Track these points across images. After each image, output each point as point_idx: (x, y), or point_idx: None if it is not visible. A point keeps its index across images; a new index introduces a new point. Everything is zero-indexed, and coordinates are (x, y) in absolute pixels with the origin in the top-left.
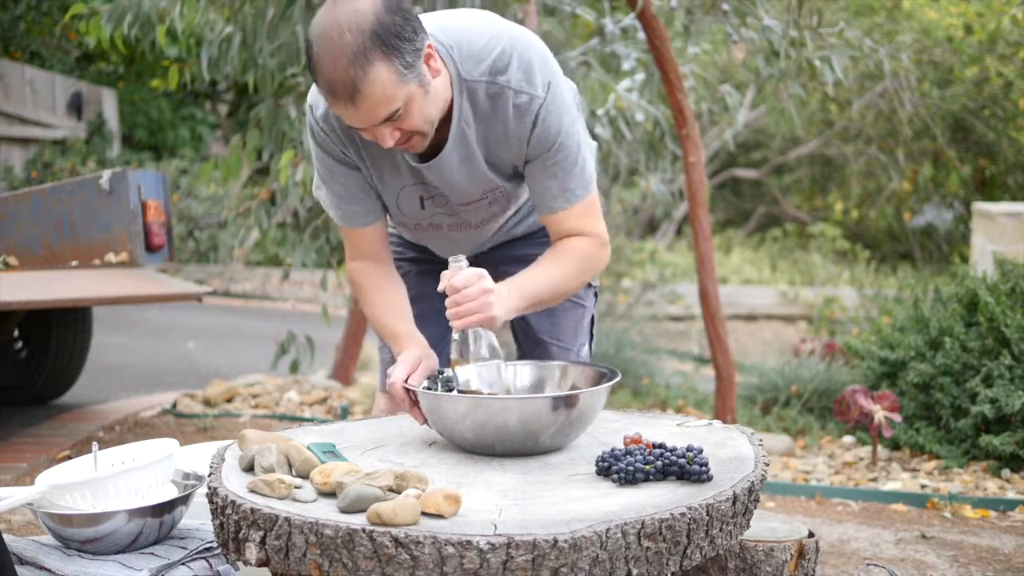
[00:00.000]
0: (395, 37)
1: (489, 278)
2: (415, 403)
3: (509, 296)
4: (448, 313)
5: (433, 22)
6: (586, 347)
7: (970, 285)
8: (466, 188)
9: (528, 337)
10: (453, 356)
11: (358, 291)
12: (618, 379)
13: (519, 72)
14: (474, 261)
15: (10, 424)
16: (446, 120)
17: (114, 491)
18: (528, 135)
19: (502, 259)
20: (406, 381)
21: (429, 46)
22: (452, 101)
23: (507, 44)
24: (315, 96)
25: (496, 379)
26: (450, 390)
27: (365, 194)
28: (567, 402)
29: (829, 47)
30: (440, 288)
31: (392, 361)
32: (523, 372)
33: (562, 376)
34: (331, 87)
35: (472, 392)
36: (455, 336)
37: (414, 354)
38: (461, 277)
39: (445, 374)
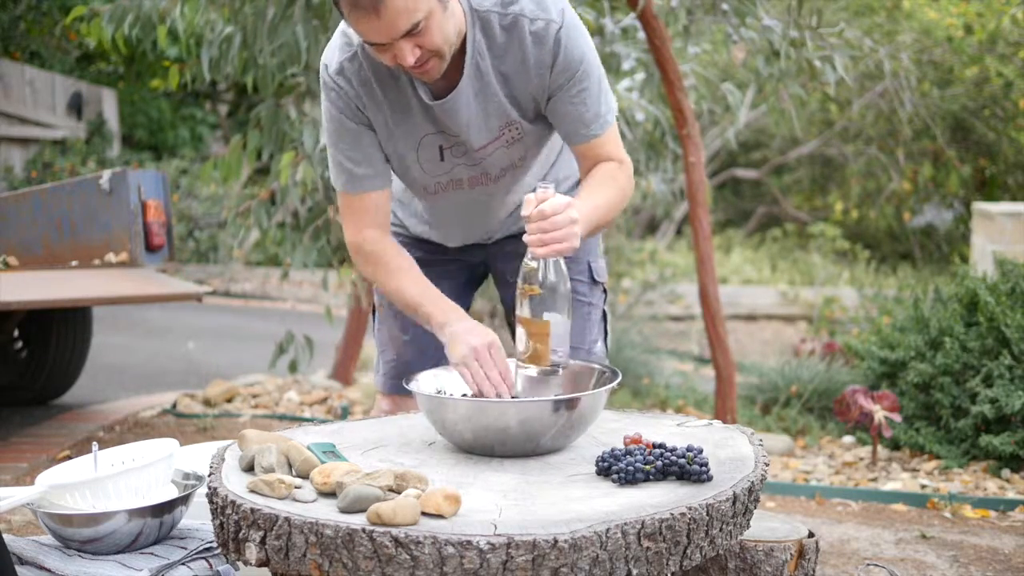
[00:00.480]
0: None
1: (576, 206)
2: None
3: (582, 225)
4: (531, 239)
5: None
6: (600, 343)
7: (970, 285)
8: (482, 125)
9: None
10: (523, 284)
11: (373, 261)
12: (619, 380)
13: (531, 0)
14: (483, 252)
15: (10, 424)
16: (460, 56)
17: (114, 491)
18: (551, 62)
19: (505, 256)
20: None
21: None
22: (465, 35)
23: None
24: (328, 54)
25: (564, 339)
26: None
27: (375, 156)
28: (568, 404)
29: (829, 47)
30: (526, 212)
31: (394, 363)
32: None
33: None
34: None
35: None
36: (531, 263)
37: (501, 355)
38: (551, 203)
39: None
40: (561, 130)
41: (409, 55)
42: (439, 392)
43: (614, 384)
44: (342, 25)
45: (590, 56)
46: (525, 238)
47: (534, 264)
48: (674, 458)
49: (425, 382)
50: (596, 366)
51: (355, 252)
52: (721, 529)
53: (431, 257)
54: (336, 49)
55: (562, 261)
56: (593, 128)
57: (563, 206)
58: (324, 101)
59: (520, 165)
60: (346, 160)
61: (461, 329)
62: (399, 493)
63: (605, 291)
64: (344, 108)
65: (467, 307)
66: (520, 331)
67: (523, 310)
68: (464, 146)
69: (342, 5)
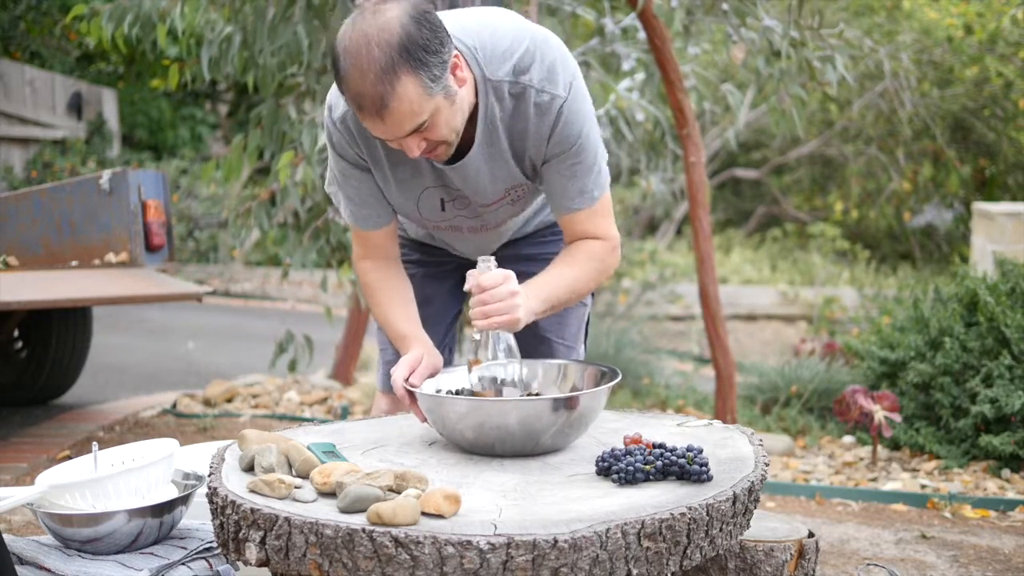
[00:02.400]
0: (422, 51)
1: (516, 280)
2: (415, 402)
3: (529, 299)
4: (474, 312)
5: (455, 22)
6: (581, 346)
7: (970, 285)
8: (489, 188)
9: (533, 334)
10: (471, 356)
11: (366, 290)
12: (619, 379)
13: (541, 71)
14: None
15: (10, 424)
16: (470, 122)
17: (114, 491)
18: (548, 134)
19: (509, 258)
20: (407, 381)
21: (456, 56)
22: (477, 103)
23: (530, 43)
24: (334, 97)
25: (517, 378)
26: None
27: (376, 199)
28: (568, 403)
29: (830, 47)
30: (467, 287)
31: (393, 362)
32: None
33: (562, 376)
34: (359, 101)
35: (478, 395)
36: (476, 336)
37: (417, 353)
38: (490, 277)
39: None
40: (547, 197)
41: (415, 148)
42: (438, 391)
43: (613, 383)
44: None
45: (589, 133)
46: (469, 312)
47: (478, 337)
48: (674, 458)
49: (430, 382)
50: (596, 366)
51: (357, 272)
52: (721, 529)
53: (429, 259)
54: (340, 96)
55: (512, 340)
56: (576, 202)
57: (502, 278)
58: (327, 141)
59: (520, 213)
60: (349, 200)
61: (401, 360)
62: (399, 493)
63: (592, 295)
64: (344, 153)
65: (461, 305)
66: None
67: (473, 381)
68: (467, 199)
69: (347, 101)
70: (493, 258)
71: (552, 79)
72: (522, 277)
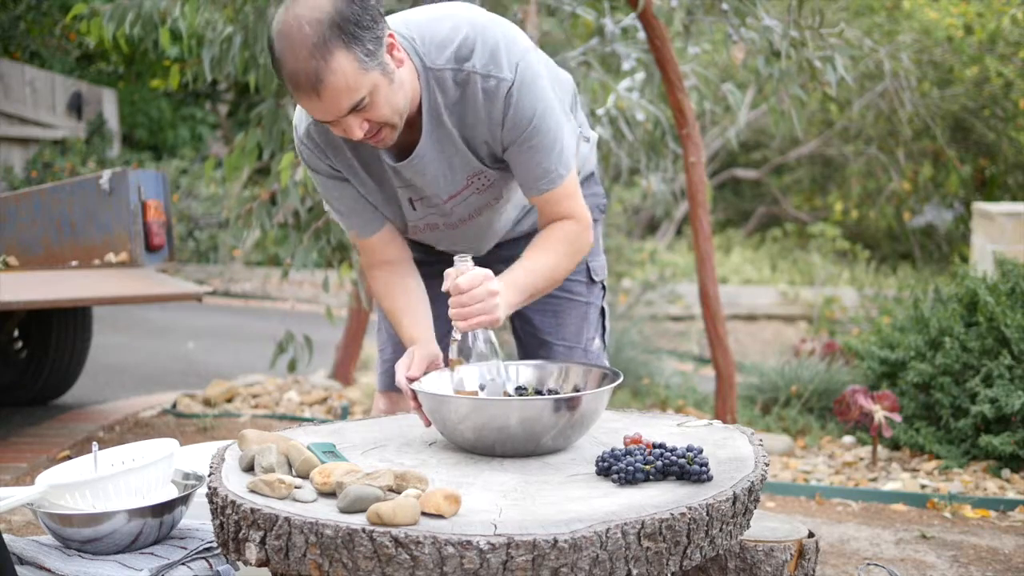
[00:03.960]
0: (354, 26)
1: (495, 278)
2: (419, 404)
3: (507, 293)
4: (452, 313)
5: (397, 18)
6: (597, 340)
7: (970, 285)
8: (447, 178)
9: (532, 337)
10: (453, 356)
11: (376, 299)
12: (620, 381)
13: (484, 56)
14: (475, 260)
15: (10, 424)
16: (417, 118)
17: (114, 491)
18: (501, 119)
19: (501, 259)
20: (407, 374)
21: (391, 35)
22: (420, 96)
23: (469, 30)
24: (298, 115)
25: (497, 379)
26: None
27: (361, 204)
28: (569, 404)
29: (830, 47)
30: (445, 288)
31: (392, 362)
32: (524, 372)
33: (563, 377)
34: (295, 79)
35: (469, 393)
36: (456, 336)
37: (411, 352)
38: (467, 278)
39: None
40: (518, 181)
41: (357, 130)
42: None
43: (615, 384)
44: None
45: (544, 112)
46: (449, 312)
47: (459, 337)
48: (674, 458)
49: (427, 382)
50: (598, 368)
51: (368, 281)
52: (721, 529)
53: (427, 258)
54: (302, 112)
55: (491, 332)
56: (542, 183)
57: (480, 278)
58: (301, 160)
59: (495, 204)
60: (337, 212)
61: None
62: (399, 493)
63: (604, 288)
64: (318, 167)
65: None
66: None
67: (455, 381)
68: (431, 199)
69: (285, 84)
70: (470, 257)
71: (496, 63)
72: None
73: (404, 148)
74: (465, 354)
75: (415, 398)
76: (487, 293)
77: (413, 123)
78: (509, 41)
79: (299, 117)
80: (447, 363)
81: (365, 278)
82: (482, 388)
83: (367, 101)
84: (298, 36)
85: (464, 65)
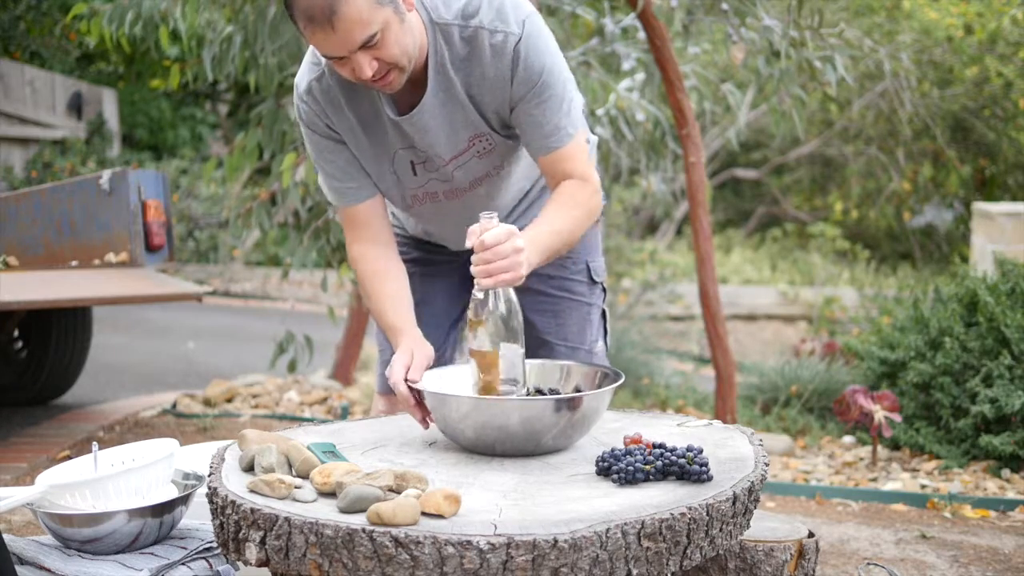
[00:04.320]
0: None
1: (520, 235)
2: (418, 402)
3: (530, 252)
4: (476, 271)
5: None
6: (600, 343)
7: (970, 285)
8: (449, 137)
9: (533, 339)
10: (471, 316)
11: (359, 279)
12: (622, 381)
13: (491, 12)
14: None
15: (10, 424)
16: (424, 70)
17: (114, 491)
18: (511, 75)
19: None
20: (406, 379)
21: None
22: (427, 49)
23: None
24: (299, 76)
25: (517, 367)
26: (540, 393)
27: (355, 169)
28: (570, 404)
29: (830, 47)
30: (469, 244)
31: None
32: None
33: (565, 377)
34: (309, 12)
35: (479, 353)
36: (478, 294)
37: (407, 349)
38: (493, 234)
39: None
40: (524, 141)
41: (367, 68)
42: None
43: (616, 385)
44: (312, 47)
45: (552, 67)
46: (472, 269)
47: (481, 295)
48: (674, 458)
49: (427, 381)
50: (599, 368)
51: (351, 261)
52: (721, 529)
53: (427, 256)
54: (305, 70)
55: (511, 291)
56: (552, 140)
57: (505, 235)
58: (297, 119)
59: (497, 174)
60: (329, 176)
61: (394, 358)
62: (399, 493)
63: (604, 290)
64: (316, 126)
65: (464, 305)
66: (472, 363)
67: (473, 341)
68: (434, 162)
69: (298, 22)
70: (495, 214)
71: (503, 18)
72: None
73: (408, 105)
74: (485, 313)
75: (414, 397)
76: (513, 250)
77: (418, 80)
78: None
79: (300, 77)
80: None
81: (351, 261)
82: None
83: (379, 38)
84: None
85: (471, 21)
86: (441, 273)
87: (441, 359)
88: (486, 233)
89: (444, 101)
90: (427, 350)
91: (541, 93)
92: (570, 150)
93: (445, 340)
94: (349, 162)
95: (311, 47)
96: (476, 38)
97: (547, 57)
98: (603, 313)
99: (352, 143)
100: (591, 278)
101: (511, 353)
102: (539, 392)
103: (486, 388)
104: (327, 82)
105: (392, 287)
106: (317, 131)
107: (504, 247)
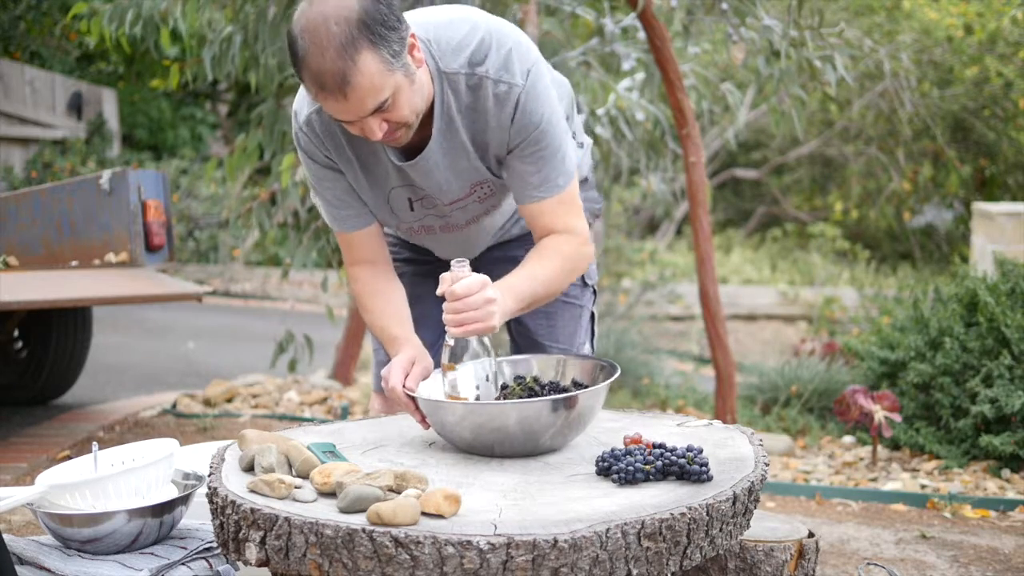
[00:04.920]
0: (381, 26)
1: (492, 285)
2: (418, 408)
3: (504, 300)
4: (447, 319)
5: (411, 19)
6: (587, 346)
7: (970, 285)
8: (452, 184)
9: (525, 340)
10: (445, 361)
11: (356, 298)
12: (618, 374)
13: (497, 62)
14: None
15: (10, 424)
16: (428, 118)
17: (114, 491)
18: (509, 123)
19: (494, 259)
20: (404, 384)
21: (412, 36)
22: (433, 97)
23: (485, 35)
24: (299, 102)
25: (490, 376)
26: (543, 387)
27: (352, 198)
28: (567, 403)
29: (830, 47)
30: (440, 292)
31: (387, 363)
32: (520, 366)
33: (561, 371)
34: (320, 80)
35: (462, 399)
36: (449, 341)
37: (408, 355)
38: (463, 284)
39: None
40: (511, 187)
41: (377, 130)
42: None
43: (611, 380)
44: None
45: (550, 120)
46: (443, 317)
47: (451, 342)
48: (674, 458)
49: (425, 384)
50: (594, 359)
51: (348, 279)
52: (721, 529)
53: (418, 257)
54: (304, 100)
55: (486, 338)
56: (540, 191)
57: (478, 285)
58: (297, 147)
59: (492, 211)
60: (326, 203)
61: (392, 363)
62: (399, 493)
63: (595, 292)
64: (315, 156)
65: None
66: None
67: (447, 386)
68: (433, 199)
69: (306, 85)
70: (467, 261)
71: (509, 68)
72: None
73: (411, 148)
74: (457, 359)
75: (412, 402)
76: (483, 301)
77: (423, 123)
78: (521, 48)
79: (299, 104)
80: (439, 366)
81: (348, 279)
82: (477, 388)
83: (390, 102)
84: (325, 35)
85: (477, 69)
86: (432, 273)
87: (432, 358)
88: (457, 283)
89: (448, 149)
90: (427, 362)
91: (537, 143)
92: (557, 202)
93: (437, 340)
94: (347, 191)
95: None
96: (481, 87)
97: (546, 109)
98: (592, 316)
99: (350, 175)
100: (583, 280)
101: (488, 395)
102: (538, 383)
103: None
104: (327, 117)
105: (393, 306)
106: (316, 160)
107: (475, 298)
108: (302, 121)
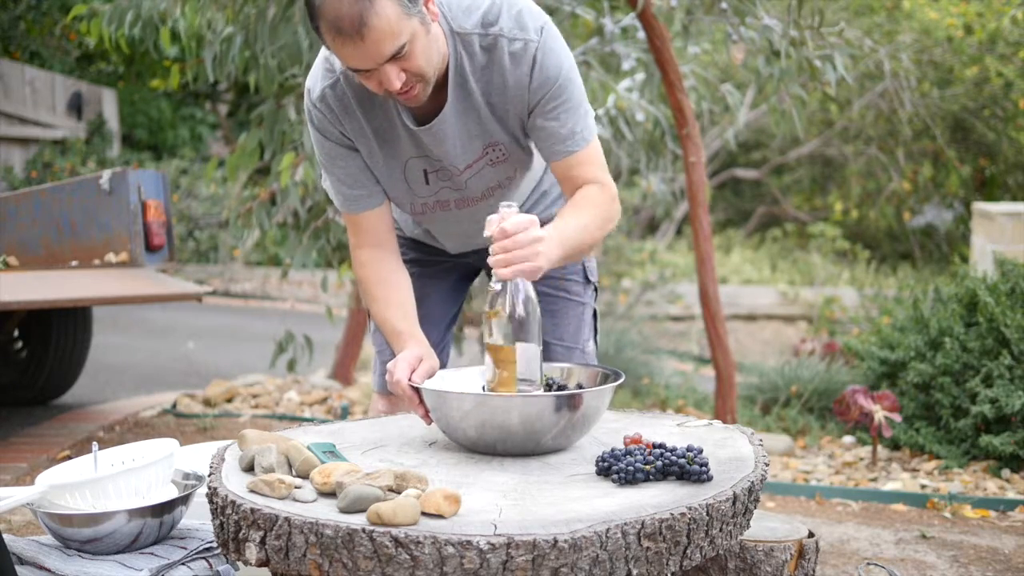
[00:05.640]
0: None
1: (539, 224)
2: (421, 402)
3: (551, 244)
4: (494, 260)
5: None
6: (591, 343)
7: (970, 285)
8: (465, 146)
9: None
10: (487, 308)
11: (362, 285)
12: (622, 381)
13: (510, 20)
14: (474, 253)
15: (10, 424)
16: (442, 81)
17: (114, 491)
18: (528, 81)
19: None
20: (410, 380)
21: None
22: (448, 59)
23: None
24: (311, 79)
25: (533, 367)
26: (549, 388)
27: (366, 176)
28: (570, 403)
29: (830, 47)
30: (487, 233)
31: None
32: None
33: (565, 378)
34: (338, 24)
35: (495, 348)
36: (495, 286)
37: (415, 352)
38: (513, 221)
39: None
40: (539, 148)
41: (395, 80)
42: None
43: (617, 384)
44: (324, 51)
45: (567, 73)
46: (489, 260)
47: (498, 287)
48: (674, 458)
49: (430, 383)
50: (599, 368)
51: (354, 265)
52: (721, 529)
53: (425, 258)
54: (318, 76)
55: (530, 287)
56: (568, 144)
57: (527, 223)
58: (309, 125)
59: (508, 184)
60: (338, 182)
61: (399, 359)
62: (399, 493)
63: (596, 289)
64: (328, 133)
65: (460, 305)
66: (487, 358)
67: (489, 335)
68: (448, 171)
69: (324, 33)
70: (515, 203)
71: (522, 25)
72: None
73: (425, 115)
74: (501, 305)
75: (419, 400)
76: (532, 239)
77: (438, 88)
78: (532, 8)
79: (312, 81)
80: (446, 367)
81: (353, 264)
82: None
83: (407, 49)
84: None
85: (490, 29)
86: (438, 274)
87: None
88: (506, 220)
89: (462, 111)
90: (434, 361)
91: (559, 96)
92: (586, 154)
93: (440, 341)
94: (361, 169)
95: (322, 52)
96: (496, 46)
97: (564, 61)
98: (594, 312)
99: (364, 150)
100: (586, 278)
101: (527, 352)
102: (548, 385)
103: (501, 383)
104: (341, 89)
105: (400, 296)
106: (329, 137)
107: (524, 236)
108: (315, 97)
